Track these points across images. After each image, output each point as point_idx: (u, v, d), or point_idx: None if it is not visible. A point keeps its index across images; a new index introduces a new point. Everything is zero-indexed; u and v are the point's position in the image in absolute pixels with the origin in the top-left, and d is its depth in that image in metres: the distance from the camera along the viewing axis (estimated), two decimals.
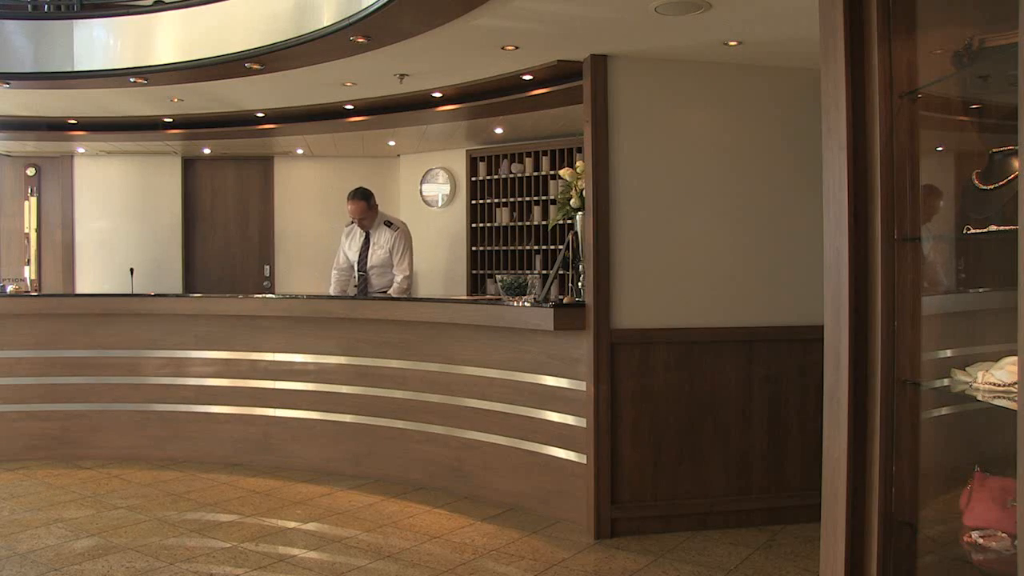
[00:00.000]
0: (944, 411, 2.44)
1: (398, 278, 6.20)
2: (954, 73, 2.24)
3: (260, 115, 6.76)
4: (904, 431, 2.24)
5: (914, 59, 2.24)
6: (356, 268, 6.35)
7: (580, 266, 4.58)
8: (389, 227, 6.28)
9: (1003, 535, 2.02)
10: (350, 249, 6.39)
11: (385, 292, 6.29)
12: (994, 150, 2.20)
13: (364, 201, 6.23)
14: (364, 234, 6.29)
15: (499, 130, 7.61)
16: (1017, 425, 1.66)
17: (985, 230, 2.10)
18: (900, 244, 2.23)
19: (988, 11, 2.19)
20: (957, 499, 2.19)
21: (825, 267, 2.36)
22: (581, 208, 4.56)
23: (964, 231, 2.19)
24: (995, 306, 2.31)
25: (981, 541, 2.04)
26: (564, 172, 4.77)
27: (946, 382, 2.23)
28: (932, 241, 2.36)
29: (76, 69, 5.49)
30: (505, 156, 8.37)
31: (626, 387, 4.35)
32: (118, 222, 8.76)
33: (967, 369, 2.16)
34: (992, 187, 2.15)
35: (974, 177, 2.22)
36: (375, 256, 6.26)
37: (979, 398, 2.04)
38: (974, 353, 2.24)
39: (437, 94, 5.79)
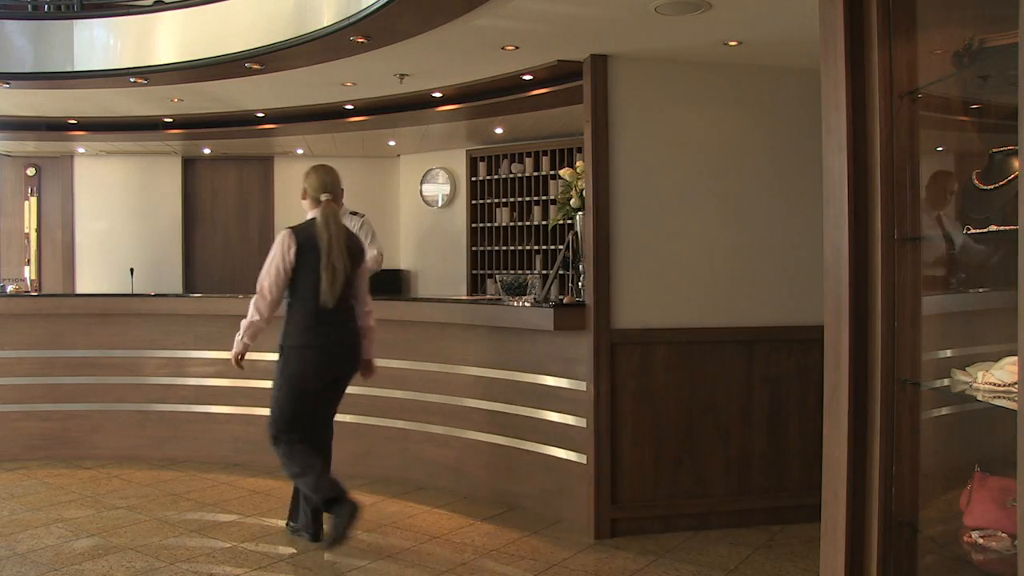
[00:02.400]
0: (944, 411, 2.44)
1: (373, 252, 6.15)
2: (954, 73, 2.24)
3: (260, 115, 6.77)
4: (904, 431, 2.24)
5: (914, 59, 2.24)
6: None
7: (580, 266, 4.58)
8: (355, 215, 6.27)
9: (1003, 535, 2.02)
10: None
11: None
12: (994, 150, 2.20)
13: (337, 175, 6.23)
14: None
15: (499, 130, 7.62)
16: (1017, 425, 1.66)
17: (985, 230, 2.10)
18: (900, 244, 2.23)
19: (988, 11, 2.19)
20: (957, 499, 2.19)
21: (825, 267, 2.36)
22: (581, 208, 4.57)
23: (964, 231, 2.19)
24: (995, 306, 2.31)
25: (981, 541, 2.04)
26: (564, 172, 4.77)
27: (946, 382, 2.23)
28: (932, 240, 2.36)
29: (76, 69, 5.50)
30: (505, 156, 8.38)
31: (626, 387, 4.35)
32: (118, 222, 8.77)
33: (967, 369, 2.16)
34: (992, 187, 2.15)
35: (974, 177, 2.22)
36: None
37: (979, 398, 2.04)
38: (974, 353, 2.24)
39: (437, 94, 5.79)
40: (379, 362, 5.41)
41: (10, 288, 6.51)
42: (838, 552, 2.30)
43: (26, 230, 8.68)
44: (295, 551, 4.08)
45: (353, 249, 4.14)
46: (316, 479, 3.96)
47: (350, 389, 5.47)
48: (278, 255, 4.00)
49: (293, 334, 4.03)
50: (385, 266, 6.74)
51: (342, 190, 6.16)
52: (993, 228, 2.07)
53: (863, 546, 2.27)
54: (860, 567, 2.27)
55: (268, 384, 5.67)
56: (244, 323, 4.12)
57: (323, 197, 4.07)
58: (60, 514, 4.62)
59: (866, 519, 2.27)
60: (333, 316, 4.03)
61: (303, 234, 4.02)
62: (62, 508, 4.74)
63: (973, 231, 2.14)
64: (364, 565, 3.89)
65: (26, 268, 8.60)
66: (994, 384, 2.01)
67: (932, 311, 2.35)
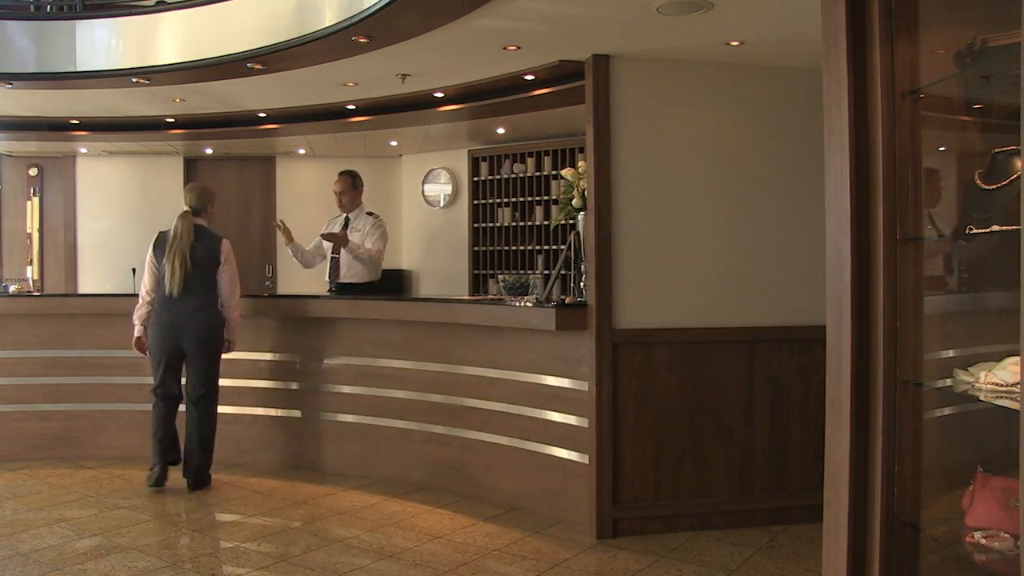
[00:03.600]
0: (946, 411, 2.44)
1: (368, 244, 6.18)
2: (956, 73, 2.23)
3: (262, 115, 6.76)
4: (906, 431, 2.24)
5: (916, 59, 2.24)
6: (330, 252, 6.33)
7: (582, 266, 4.58)
8: (370, 216, 6.31)
9: (1006, 536, 2.02)
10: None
11: (355, 283, 6.22)
12: (996, 150, 2.19)
13: (350, 178, 6.32)
14: (344, 222, 6.30)
15: (501, 130, 7.62)
16: (1020, 425, 1.66)
17: (987, 230, 2.10)
18: (902, 244, 2.22)
19: (990, 11, 2.18)
20: (959, 499, 2.19)
21: (827, 267, 2.36)
22: (583, 208, 4.56)
23: (967, 231, 2.18)
24: (997, 306, 2.30)
25: (984, 542, 2.04)
26: (566, 172, 4.77)
27: (948, 382, 2.23)
28: (934, 240, 2.35)
29: (78, 69, 5.50)
30: (507, 156, 8.37)
31: (628, 387, 4.34)
32: (120, 222, 8.77)
33: (969, 369, 2.16)
34: (994, 187, 2.15)
35: (976, 177, 2.21)
36: (352, 239, 6.23)
37: (981, 398, 2.04)
38: (976, 353, 2.24)
39: (439, 94, 5.79)
40: (382, 362, 5.45)
41: (12, 288, 6.50)
42: (840, 552, 2.29)
43: (28, 230, 8.68)
44: (297, 550, 4.09)
45: (197, 252, 5.10)
46: (153, 438, 5.15)
47: (353, 388, 5.52)
48: (147, 254, 5.25)
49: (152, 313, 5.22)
50: (387, 266, 6.74)
51: (362, 189, 6.26)
52: (995, 228, 2.07)
53: (865, 546, 2.27)
54: (862, 567, 2.27)
55: (269, 384, 5.75)
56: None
57: (183, 210, 5.22)
58: (62, 514, 4.63)
59: (868, 519, 2.26)
60: (178, 302, 5.08)
61: (161, 238, 5.21)
62: (64, 508, 4.75)
63: (975, 231, 2.14)
64: (366, 565, 3.90)
65: (28, 268, 8.60)
66: (996, 384, 2.01)
67: (934, 311, 2.35)
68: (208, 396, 5.21)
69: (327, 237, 6.21)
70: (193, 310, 5.12)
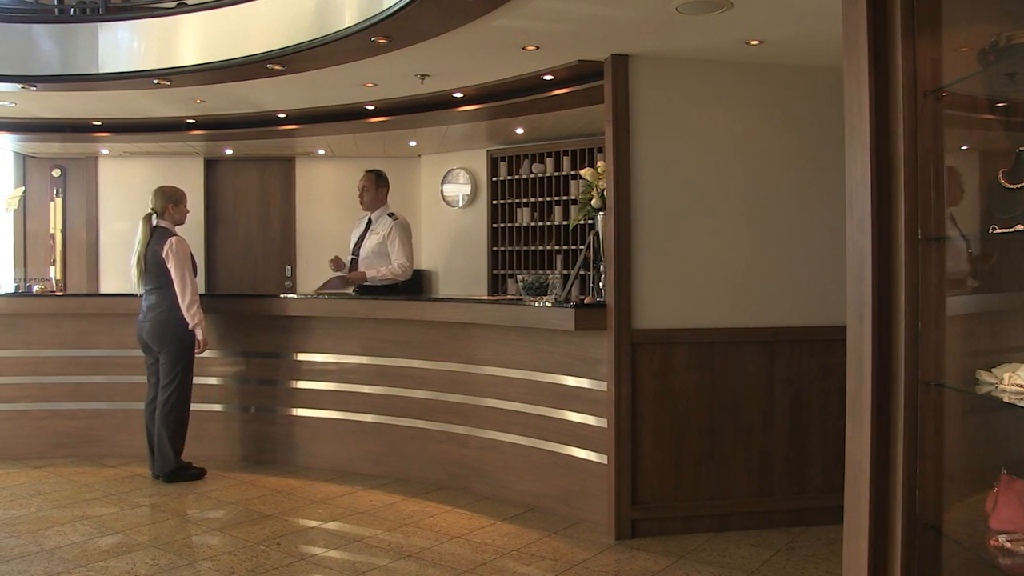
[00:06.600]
0: (969, 413, 2.41)
1: (395, 263, 6.14)
2: (979, 71, 2.21)
3: (282, 116, 6.79)
4: (928, 433, 2.22)
5: (938, 57, 2.21)
6: (351, 254, 6.33)
7: (601, 266, 4.57)
8: (390, 217, 6.29)
9: None
10: (353, 238, 6.40)
11: (377, 285, 6.21)
12: (1020, 148, 2.17)
13: (373, 176, 6.28)
14: (367, 224, 6.31)
15: (520, 130, 7.62)
16: None
17: (1011, 230, 2.07)
18: (924, 244, 2.20)
19: (1014, 7, 2.16)
20: (983, 502, 2.17)
21: (848, 267, 2.34)
22: (602, 208, 4.55)
23: (990, 231, 2.16)
24: (1022, 307, 2.28)
25: (1008, 545, 2.02)
26: (585, 172, 4.76)
27: (971, 383, 2.20)
28: (956, 240, 2.33)
29: (101, 71, 5.55)
30: (526, 156, 8.37)
31: (647, 387, 4.33)
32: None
33: (993, 370, 2.14)
34: (1018, 186, 2.13)
35: (1000, 176, 2.19)
36: (369, 242, 6.20)
37: (1005, 400, 2.02)
38: (1000, 354, 2.21)
39: (458, 94, 5.79)
40: (399, 362, 5.47)
41: (36, 288, 6.56)
42: (861, 555, 2.28)
43: (51, 231, 8.77)
44: (317, 551, 4.10)
45: (148, 252, 5.38)
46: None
47: (372, 388, 5.53)
48: None
49: None
50: None
51: (385, 190, 6.28)
52: (1019, 228, 2.04)
53: (886, 549, 2.25)
54: (883, 570, 2.25)
55: (288, 384, 5.77)
56: None
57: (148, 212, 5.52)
58: (85, 511, 4.67)
59: (889, 522, 2.24)
60: (141, 301, 5.45)
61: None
62: (87, 505, 4.79)
63: (999, 230, 2.12)
64: (385, 564, 3.91)
65: (51, 268, 8.68)
66: (1020, 386, 1.99)
67: (957, 312, 2.33)
68: (169, 391, 5.33)
69: (339, 282, 6.16)
70: (148, 309, 5.40)
